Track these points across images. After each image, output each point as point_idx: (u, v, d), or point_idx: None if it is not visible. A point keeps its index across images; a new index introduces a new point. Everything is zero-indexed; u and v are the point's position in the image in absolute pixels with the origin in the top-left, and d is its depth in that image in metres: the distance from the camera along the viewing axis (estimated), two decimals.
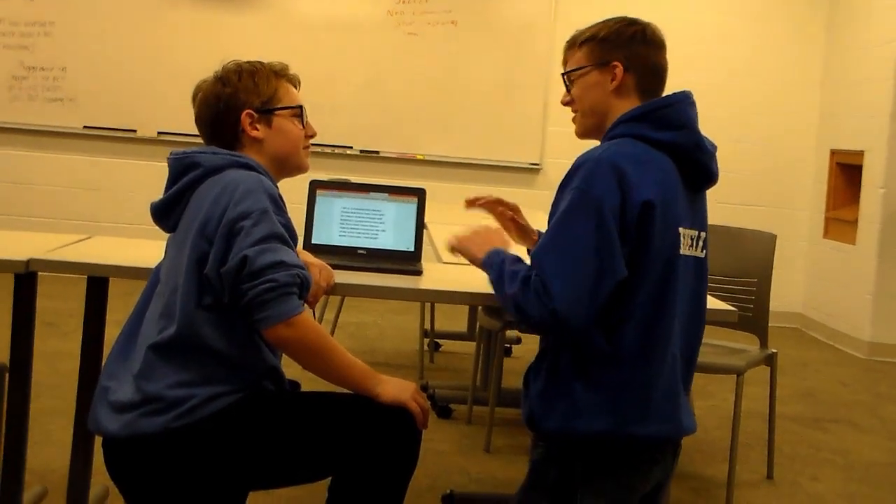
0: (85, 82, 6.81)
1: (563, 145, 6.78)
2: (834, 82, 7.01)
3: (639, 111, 1.99)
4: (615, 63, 2.02)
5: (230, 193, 1.98)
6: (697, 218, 2.03)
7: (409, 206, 2.76)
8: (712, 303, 2.39)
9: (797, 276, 7.11)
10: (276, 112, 2.16)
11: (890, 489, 3.77)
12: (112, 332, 2.36)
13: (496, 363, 3.91)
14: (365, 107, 6.92)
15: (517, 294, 1.86)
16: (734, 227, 3.85)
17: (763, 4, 7.22)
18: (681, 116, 1.98)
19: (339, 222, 2.74)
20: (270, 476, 2.00)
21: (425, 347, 5.03)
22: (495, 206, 2.46)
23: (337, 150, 6.90)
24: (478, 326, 4.38)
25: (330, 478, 2.03)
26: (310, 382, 2.21)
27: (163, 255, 2.16)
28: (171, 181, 2.12)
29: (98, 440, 2.08)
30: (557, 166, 6.83)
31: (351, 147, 6.96)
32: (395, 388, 2.03)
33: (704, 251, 2.05)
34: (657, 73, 2.05)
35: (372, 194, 2.77)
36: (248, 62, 2.19)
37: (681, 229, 1.95)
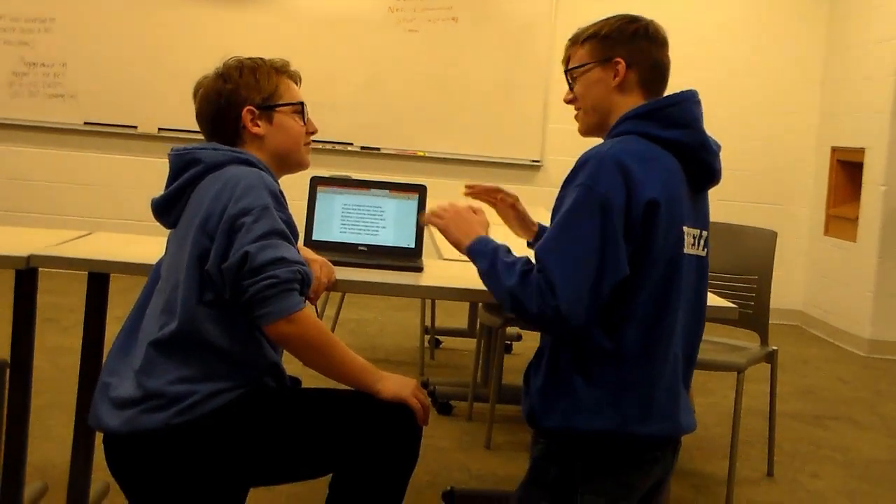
0: (86, 78, 6.81)
1: (563, 142, 6.79)
2: (834, 80, 7.00)
3: (644, 109, 1.98)
4: (617, 59, 2.02)
5: (231, 190, 1.98)
6: (700, 217, 2.03)
7: (409, 203, 2.76)
8: (713, 300, 2.39)
9: (798, 273, 7.11)
10: (278, 108, 2.16)
11: (890, 486, 3.77)
12: (113, 328, 2.36)
13: (496, 360, 3.91)
14: (366, 103, 6.92)
15: (516, 287, 1.86)
16: (735, 224, 3.85)
17: (763, 4, 7.21)
18: (686, 115, 1.98)
19: (340, 219, 2.74)
20: (271, 472, 2.01)
21: (426, 344, 5.04)
22: (494, 194, 2.46)
23: (338, 147, 6.90)
24: (478, 323, 4.38)
25: (331, 474, 2.03)
26: (311, 379, 2.22)
27: (163, 251, 2.16)
28: (172, 177, 2.11)
29: (99, 436, 2.08)
30: (558, 163, 6.84)
31: (352, 144, 6.96)
32: (396, 385, 2.03)
33: (706, 250, 2.05)
34: (659, 69, 2.05)
35: (373, 191, 2.77)
36: (249, 59, 2.18)
37: (684, 228, 1.95)
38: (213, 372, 1.98)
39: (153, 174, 6.33)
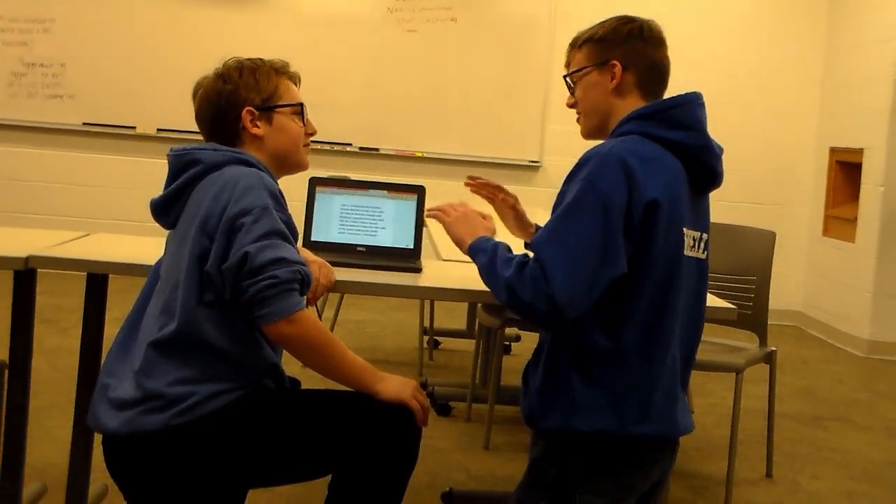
0: (84, 79, 6.81)
1: (562, 143, 6.79)
2: (834, 81, 7.01)
3: (648, 109, 1.98)
4: (613, 62, 2.02)
5: (231, 190, 1.98)
6: (700, 219, 2.03)
7: (408, 204, 2.76)
8: (712, 300, 2.39)
9: (797, 274, 7.11)
10: (277, 109, 2.16)
11: (889, 487, 3.77)
12: (111, 329, 2.36)
13: (495, 361, 3.91)
14: (364, 104, 6.92)
15: (511, 277, 1.86)
16: (734, 224, 3.85)
17: (763, 4, 7.22)
18: (690, 117, 1.98)
19: (339, 219, 2.74)
20: (271, 474, 2.00)
21: (425, 345, 5.03)
22: (496, 194, 2.47)
23: (336, 148, 6.90)
24: (477, 324, 4.38)
25: (330, 475, 2.03)
26: (310, 380, 2.21)
27: (162, 251, 2.16)
28: (171, 178, 2.11)
29: (98, 437, 2.08)
30: (557, 164, 6.84)
31: (350, 144, 6.96)
32: (396, 386, 2.03)
33: (706, 253, 2.05)
34: (657, 70, 2.05)
35: (371, 191, 2.77)
36: (248, 59, 2.18)
37: (684, 229, 1.95)
38: (213, 373, 1.98)
39: (152, 175, 6.33)
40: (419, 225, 2.75)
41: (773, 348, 3.61)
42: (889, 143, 6.14)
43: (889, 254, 6.19)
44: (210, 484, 1.98)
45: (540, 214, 4.01)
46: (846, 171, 6.78)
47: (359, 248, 2.72)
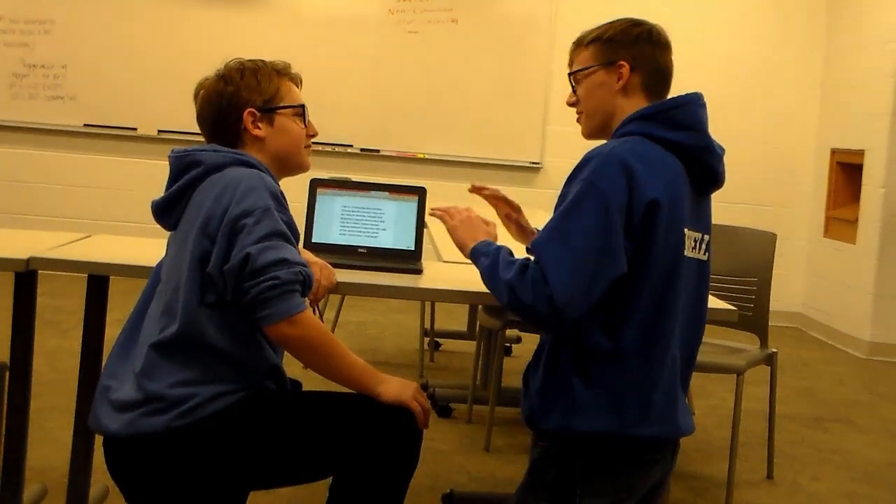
0: (85, 80, 6.81)
1: (563, 144, 6.78)
2: (834, 82, 7.01)
3: (650, 110, 1.99)
4: (621, 62, 2.02)
5: (232, 191, 1.98)
6: (702, 220, 2.03)
7: (409, 205, 2.76)
8: (712, 302, 2.39)
9: (797, 275, 7.11)
10: (279, 111, 2.16)
11: (890, 489, 3.77)
12: (112, 330, 2.36)
13: (496, 362, 3.91)
14: (365, 105, 6.92)
15: (513, 280, 1.86)
16: (734, 226, 3.85)
17: (763, 5, 7.22)
18: (691, 117, 1.98)
19: (340, 221, 2.74)
20: (272, 475, 2.00)
21: (425, 346, 5.03)
22: (500, 204, 2.47)
23: (337, 149, 6.90)
24: (478, 325, 4.38)
25: (331, 477, 2.03)
26: (311, 382, 2.21)
27: (163, 253, 2.16)
28: (173, 179, 2.11)
29: (98, 439, 2.08)
30: (558, 165, 6.84)
31: (351, 146, 6.96)
32: (397, 388, 2.03)
33: (707, 254, 2.05)
34: (663, 73, 2.05)
35: (372, 193, 2.77)
36: (250, 60, 2.18)
37: (685, 230, 1.95)
38: (214, 375, 1.98)
39: (153, 176, 6.34)
40: (420, 226, 2.75)
41: (774, 350, 3.61)
42: (890, 144, 6.14)
43: (890, 255, 6.19)
44: (211, 486, 1.98)
45: (541, 216, 4.00)
46: (847, 172, 6.78)
47: (360, 250, 2.72)
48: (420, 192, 2.78)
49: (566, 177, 1.95)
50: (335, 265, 2.36)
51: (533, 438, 2.04)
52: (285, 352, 2.08)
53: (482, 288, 2.02)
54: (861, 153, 6.47)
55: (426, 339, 5.10)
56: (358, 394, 2.04)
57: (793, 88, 7.18)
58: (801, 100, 7.18)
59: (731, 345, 3.69)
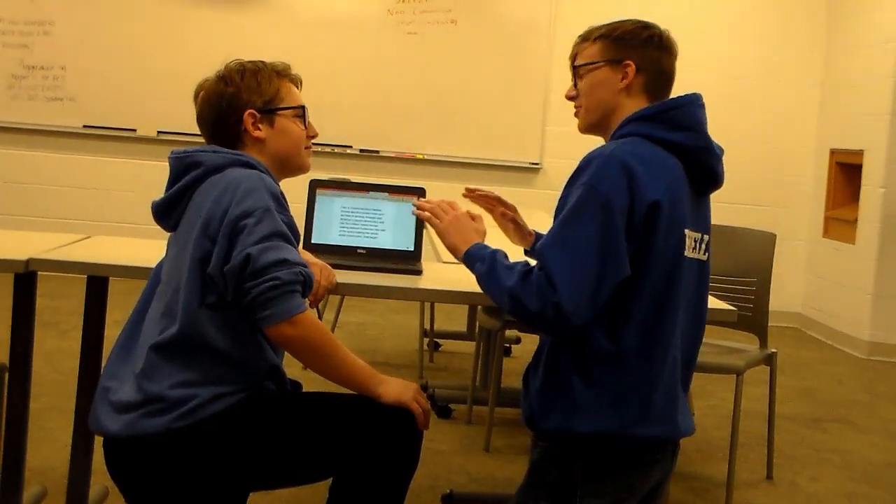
0: (85, 81, 6.81)
1: (563, 145, 6.79)
2: (834, 82, 7.01)
3: (649, 111, 1.99)
4: (628, 62, 2.02)
5: (232, 192, 1.98)
6: (701, 221, 2.03)
7: (408, 206, 2.76)
8: (712, 302, 2.39)
9: (797, 275, 7.11)
10: (279, 112, 2.16)
11: (889, 489, 3.77)
12: (111, 331, 2.36)
13: (496, 363, 3.91)
14: (365, 106, 6.92)
15: (516, 287, 1.86)
16: (734, 226, 3.85)
17: (763, 4, 7.22)
18: (690, 118, 1.98)
19: (339, 222, 2.74)
20: (272, 476, 2.00)
21: (425, 347, 5.03)
22: (496, 206, 2.46)
23: (337, 150, 6.90)
24: (477, 326, 4.38)
25: (331, 478, 2.03)
26: (311, 383, 2.22)
27: (163, 254, 2.16)
28: (173, 180, 2.11)
29: (98, 440, 2.08)
30: (557, 166, 6.84)
31: (351, 146, 6.96)
32: (397, 389, 2.03)
33: (707, 254, 2.05)
34: (666, 78, 2.05)
35: (372, 194, 2.77)
36: (250, 62, 2.18)
37: (686, 231, 1.95)
38: (214, 375, 1.98)
39: (152, 177, 6.33)
40: (419, 227, 2.75)
41: (774, 350, 3.62)
42: (889, 144, 6.14)
43: (889, 255, 6.19)
44: (211, 487, 1.98)
45: (541, 217, 4.01)
46: (846, 172, 6.78)
47: (359, 251, 2.72)
48: (419, 193, 2.78)
49: (566, 178, 1.95)
50: (335, 266, 2.36)
51: (533, 439, 2.04)
52: (285, 353, 2.08)
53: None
54: (860, 153, 6.47)
55: (426, 340, 5.10)
56: (358, 395, 2.04)
57: (792, 88, 7.19)
58: (800, 100, 7.18)
59: (731, 345, 3.69)
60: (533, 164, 7.07)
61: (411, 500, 2.07)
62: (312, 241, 2.71)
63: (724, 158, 2.07)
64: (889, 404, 5.12)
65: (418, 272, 2.61)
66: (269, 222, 1.96)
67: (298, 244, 2.08)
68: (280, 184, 2.13)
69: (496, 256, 1.97)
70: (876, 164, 6.26)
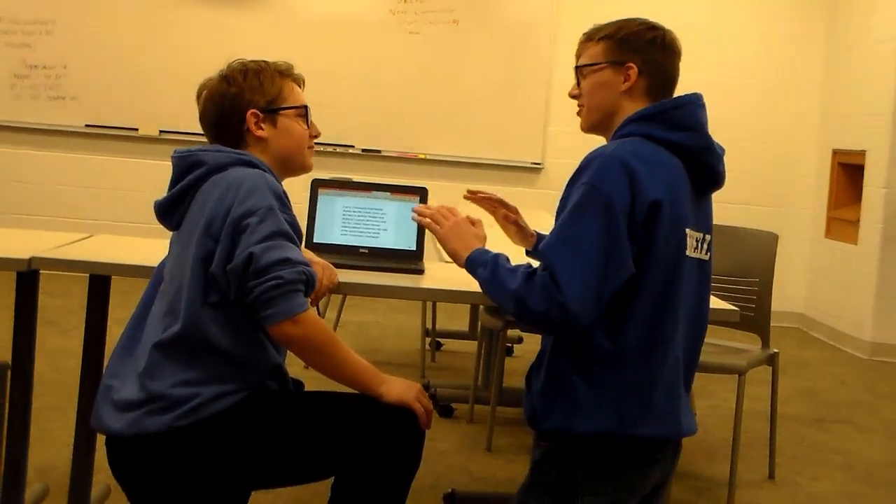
0: (87, 81, 6.81)
1: (564, 144, 6.79)
2: (835, 82, 7.00)
3: (649, 111, 1.98)
4: (630, 64, 2.01)
5: (235, 191, 1.98)
6: (703, 220, 2.03)
7: (410, 205, 2.75)
8: (714, 302, 2.39)
9: (799, 275, 7.11)
10: (281, 112, 2.16)
11: (891, 489, 3.77)
12: (114, 330, 2.36)
13: (497, 362, 3.91)
14: (367, 106, 6.92)
15: (520, 289, 1.85)
16: (736, 226, 3.85)
17: (763, 4, 7.22)
18: (691, 118, 1.98)
19: (341, 221, 2.74)
20: (274, 475, 2.01)
21: (427, 346, 5.03)
22: (498, 208, 2.46)
23: (339, 150, 6.90)
24: (479, 325, 4.38)
25: (333, 477, 2.03)
26: (314, 382, 2.22)
27: (165, 253, 2.16)
28: (175, 179, 2.12)
29: (100, 438, 2.08)
30: (559, 166, 6.84)
31: (353, 146, 6.96)
32: (400, 389, 2.03)
33: (709, 254, 2.05)
34: (669, 80, 2.05)
35: (374, 193, 2.77)
36: (253, 61, 2.18)
37: (687, 231, 1.95)
38: (217, 374, 1.98)
39: (154, 176, 6.35)
40: (421, 226, 2.75)
41: (775, 350, 3.61)
42: (891, 145, 6.14)
43: (891, 256, 6.19)
44: (213, 485, 1.99)
45: (543, 217, 4.01)
46: (848, 172, 6.78)
47: (361, 250, 2.72)
48: (421, 193, 2.78)
49: (567, 178, 1.95)
50: (336, 265, 2.36)
51: (534, 438, 2.04)
52: (287, 352, 2.08)
53: None
54: (862, 154, 6.47)
55: (427, 340, 5.10)
56: (360, 394, 2.04)
57: (794, 88, 7.19)
58: (802, 100, 7.18)
59: (733, 345, 3.69)
60: (535, 164, 7.07)
61: (413, 500, 2.07)
62: (314, 241, 2.71)
63: (726, 159, 2.07)
64: (891, 404, 5.12)
65: (420, 272, 2.62)
66: (272, 221, 1.96)
67: (301, 243, 2.08)
68: (282, 183, 2.13)
69: (498, 260, 1.97)
70: (878, 165, 6.26)
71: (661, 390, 1.93)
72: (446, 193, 4.51)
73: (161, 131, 6.82)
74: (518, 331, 4.83)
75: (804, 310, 7.14)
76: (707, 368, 3.30)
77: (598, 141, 2.04)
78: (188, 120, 2.31)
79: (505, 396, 3.87)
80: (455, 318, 5.75)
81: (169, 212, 2.12)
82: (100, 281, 2.67)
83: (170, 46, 6.82)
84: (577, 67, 2.09)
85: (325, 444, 1.99)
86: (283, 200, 2.03)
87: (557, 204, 1.95)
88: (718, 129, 2.13)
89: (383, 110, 6.94)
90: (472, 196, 2.46)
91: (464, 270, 2.11)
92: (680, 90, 2.04)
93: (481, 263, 2.00)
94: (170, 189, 2.12)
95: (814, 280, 7.08)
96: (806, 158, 7.20)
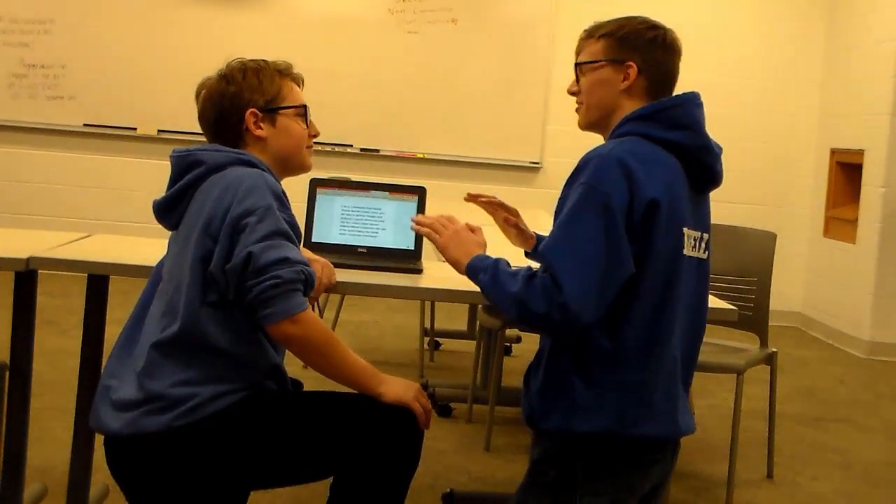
0: (85, 80, 6.81)
1: (563, 144, 6.79)
2: (834, 81, 7.01)
3: (647, 110, 1.98)
4: (630, 63, 2.01)
5: (234, 190, 1.98)
6: (701, 219, 2.03)
7: (409, 205, 2.76)
8: (712, 301, 2.39)
9: (797, 275, 7.11)
10: (281, 111, 2.16)
11: (889, 488, 3.77)
12: (112, 330, 2.36)
13: (496, 362, 3.91)
14: (365, 105, 6.92)
15: (521, 291, 1.85)
16: (734, 225, 3.85)
17: (763, 4, 7.22)
18: (688, 117, 1.98)
19: (340, 221, 2.74)
20: (273, 475, 2.01)
21: (425, 346, 5.03)
22: (498, 211, 2.46)
23: (337, 149, 6.90)
24: (478, 325, 4.38)
25: (332, 477, 2.03)
26: (313, 382, 2.22)
27: (163, 253, 2.16)
28: (174, 179, 2.11)
29: (99, 438, 2.08)
30: (558, 165, 6.84)
31: (351, 145, 6.96)
32: (399, 388, 2.03)
33: (707, 253, 2.05)
34: (668, 79, 2.04)
35: (372, 192, 2.77)
36: (252, 60, 2.18)
37: (685, 230, 1.95)
38: (216, 374, 1.98)
39: (153, 176, 6.35)
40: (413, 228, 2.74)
41: (774, 349, 3.62)
42: (890, 144, 6.14)
43: (890, 255, 6.19)
44: (212, 485, 1.99)
45: (541, 216, 4.01)
46: (847, 172, 6.78)
47: (359, 250, 2.72)
48: (420, 192, 2.77)
49: (566, 177, 1.94)
50: (335, 265, 2.36)
51: (533, 438, 2.04)
52: (286, 351, 2.08)
53: None
54: (861, 153, 6.47)
55: (426, 339, 5.10)
56: (359, 394, 2.04)
57: (793, 88, 7.19)
58: (801, 99, 7.18)
59: (731, 344, 3.69)
60: (533, 163, 7.07)
61: (412, 499, 2.07)
62: (313, 240, 2.71)
63: (725, 158, 2.07)
64: (890, 404, 5.12)
65: (419, 271, 2.61)
66: (271, 221, 1.96)
67: (300, 243, 2.08)
68: (281, 183, 2.13)
69: (498, 265, 1.97)
70: (876, 164, 6.26)
71: (660, 390, 1.93)
72: (445, 192, 4.52)
73: (159, 131, 6.82)
74: (516, 330, 4.83)
75: (802, 309, 7.15)
76: (705, 368, 3.30)
77: (597, 140, 2.04)
78: (187, 119, 2.31)
79: (503, 396, 3.87)
80: (454, 318, 5.75)
81: (167, 211, 2.12)
82: (98, 281, 2.67)
83: (169, 46, 6.81)
84: (576, 64, 2.09)
85: (324, 444, 1.99)
86: (282, 200, 2.03)
87: (556, 204, 1.95)
88: (718, 128, 2.13)
89: (382, 110, 6.94)
90: (472, 199, 2.46)
91: None
92: (679, 90, 2.04)
93: (482, 269, 1.99)
94: (168, 188, 2.12)
95: (812, 279, 7.09)
96: (805, 158, 7.20)
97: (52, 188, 6.92)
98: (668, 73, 2.04)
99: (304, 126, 2.21)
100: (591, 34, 2.08)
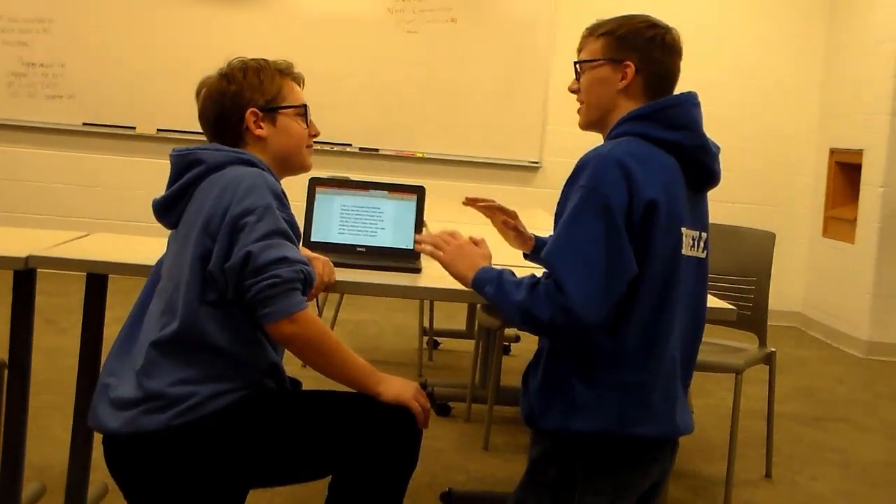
0: (84, 79, 6.81)
1: (562, 143, 6.79)
2: (834, 81, 7.01)
3: (644, 110, 1.98)
4: (628, 63, 2.01)
5: (233, 190, 1.98)
6: (699, 218, 2.03)
7: (408, 204, 2.76)
8: (711, 301, 2.39)
9: (796, 274, 7.11)
10: (281, 111, 2.16)
11: (888, 488, 3.77)
12: (111, 329, 2.36)
13: (495, 361, 3.91)
14: (364, 104, 6.92)
15: (526, 299, 1.85)
16: (734, 225, 3.85)
17: (763, 4, 7.22)
18: (686, 117, 1.98)
19: (339, 220, 2.74)
20: (272, 474, 2.01)
21: (424, 345, 5.03)
22: (496, 213, 2.45)
23: (336, 148, 6.90)
24: (477, 324, 4.38)
25: (330, 476, 2.03)
26: (311, 381, 2.21)
27: (163, 252, 2.16)
28: (174, 178, 2.11)
29: (98, 437, 2.08)
30: (557, 164, 6.84)
31: (350, 145, 6.96)
32: (397, 388, 2.03)
33: (705, 252, 2.05)
34: (668, 79, 2.03)
35: (371, 192, 2.77)
36: (253, 60, 2.18)
37: (683, 229, 1.95)
38: (214, 373, 1.98)
39: (152, 175, 6.34)
40: (419, 225, 2.75)
41: (773, 349, 3.62)
42: (889, 144, 6.15)
43: (889, 255, 6.19)
44: (211, 484, 1.99)
45: (541, 216, 4.01)
46: (846, 172, 6.78)
47: (358, 249, 2.72)
48: (419, 192, 2.77)
49: (565, 177, 1.94)
50: (334, 264, 2.36)
51: (532, 437, 2.04)
52: (285, 351, 2.08)
53: None
54: (860, 153, 6.47)
55: (425, 338, 5.10)
56: (358, 393, 2.04)
57: (792, 88, 7.19)
58: (800, 99, 7.18)
59: (730, 344, 3.69)
60: (532, 162, 7.07)
61: (410, 498, 2.07)
62: (312, 240, 2.71)
63: (724, 158, 2.07)
64: (888, 403, 5.12)
65: (418, 270, 2.61)
66: (270, 220, 1.96)
67: (299, 242, 2.08)
68: (281, 182, 2.13)
69: (503, 276, 1.96)
70: (875, 164, 6.26)
71: (659, 389, 1.93)
72: (444, 192, 4.52)
73: (159, 130, 6.82)
74: (515, 330, 4.83)
75: (802, 309, 7.15)
76: (704, 367, 3.30)
77: (596, 139, 2.04)
78: (186, 118, 2.31)
79: (502, 395, 3.87)
80: (452, 317, 5.75)
81: (167, 210, 2.12)
82: (97, 279, 2.67)
83: (168, 45, 6.81)
84: (576, 63, 2.09)
85: (323, 443, 1.99)
86: (281, 199, 2.03)
87: (555, 204, 1.95)
88: (717, 128, 2.13)
89: (381, 109, 6.94)
90: (471, 203, 2.46)
91: None
92: (679, 89, 2.04)
93: (487, 281, 1.99)
94: (168, 187, 2.12)
95: (811, 279, 7.09)
96: (804, 158, 7.20)
97: (51, 187, 6.92)
98: (667, 72, 2.04)
99: (305, 126, 2.21)
100: (591, 32, 2.07)
